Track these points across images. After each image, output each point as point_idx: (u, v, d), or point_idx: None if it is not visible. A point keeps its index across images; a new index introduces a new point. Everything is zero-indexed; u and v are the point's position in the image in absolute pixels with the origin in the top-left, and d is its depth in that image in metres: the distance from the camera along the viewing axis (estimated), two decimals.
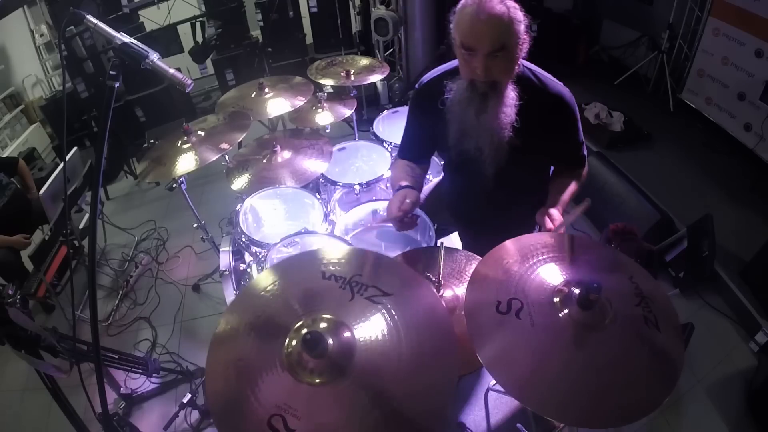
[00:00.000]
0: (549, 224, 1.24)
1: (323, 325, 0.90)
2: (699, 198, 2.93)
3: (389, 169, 2.05)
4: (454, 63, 1.36)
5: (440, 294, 1.20)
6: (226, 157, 2.07)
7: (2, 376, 2.38)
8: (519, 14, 1.17)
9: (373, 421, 0.79)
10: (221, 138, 1.96)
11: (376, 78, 2.63)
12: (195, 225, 2.34)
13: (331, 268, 1.01)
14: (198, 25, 4.14)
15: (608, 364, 0.89)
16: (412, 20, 3.90)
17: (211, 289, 2.70)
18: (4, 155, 3.55)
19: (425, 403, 0.82)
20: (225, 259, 1.93)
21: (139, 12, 4.27)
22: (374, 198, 1.93)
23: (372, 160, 2.24)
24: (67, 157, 2.63)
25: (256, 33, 4.57)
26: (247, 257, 1.90)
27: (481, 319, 0.95)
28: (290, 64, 4.36)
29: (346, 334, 0.88)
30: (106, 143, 1.03)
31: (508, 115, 1.26)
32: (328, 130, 2.34)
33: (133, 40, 1.04)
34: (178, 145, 1.96)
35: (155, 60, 1.04)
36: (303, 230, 1.70)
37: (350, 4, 4.48)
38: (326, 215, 1.86)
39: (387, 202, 1.82)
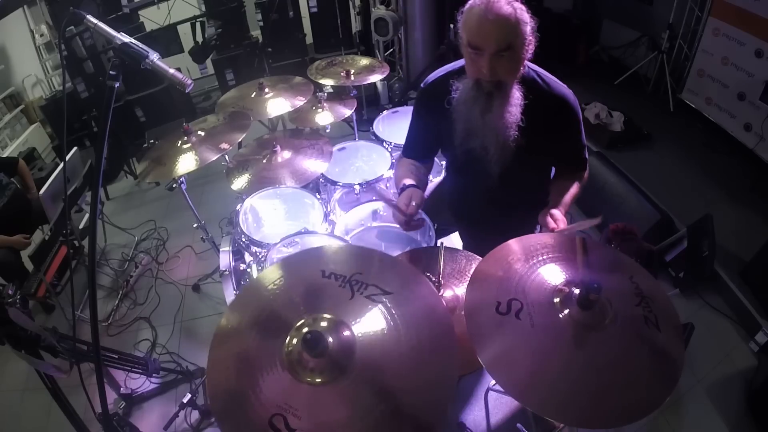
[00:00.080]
0: (552, 224, 1.24)
1: (323, 324, 0.90)
2: (699, 198, 2.93)
3: (392, 168, 2.05)
4: (460, 63, 1.37)
5: (440, 294, 1.20)
6: (226, 157, 2.07)
7: (2, 376, 2.38)
8: (526, 16, 1.19)
9: (373, 420, 0.79)
10: (221, 138, 1.96)
11: (376, 78, 2.63)
12: (195, 225, 2.34)
13: (331, 266, 1.01)
14: (198, 25, 4.14)
15: (608, 364, 0.89)
16: (412, 20, 3.90)
17: (211, 289, 2.70)
18: (4, 155, 3.55)
19: (426, 400, 0.82)
20: (225, 259, 1.93)
21: (139, 12, 4.27)
22: (374, 198, 1.93)
23: (372, 160, 2.24)
24: (67, 157, 2.63)
25: (256, 33, 4.57)
26: (247, 257, 1.90)
27: (481, 319, 0.95)
28: (290, 64, 4.36)
29: (346, 333, 0.88)
30: (106, 143, 1.03)
31: (513, 114, 1.27)
32: (328, 130, 2.34)
33: (133, 40, 1.04)
34: (178, 145, 1.96)
35: (155, 60, 1.04)
36: (303, 230, 1.70)
37: (350, 4, 4.47)
38: (326, 215, 1.86)
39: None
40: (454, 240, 1.86)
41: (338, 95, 2.52)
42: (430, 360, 0.85)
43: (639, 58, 4.17)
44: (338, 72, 2.61)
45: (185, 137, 1.96)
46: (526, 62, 1.29)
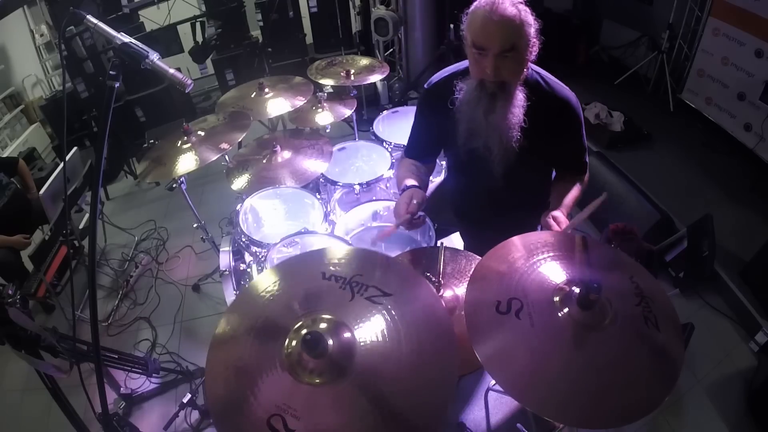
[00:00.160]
0: (555, 227, 1.25)
1: (323, 325, 0.90)
2: (699, 198, 2.93)
3: (392, 168, 2.05)
4: (464, 64, 1.38)
5: (440, 294, 1.20)
6: (226, 157, 2.07)
7: (2, 376, 2.38)
8: (530, 18, 1.20)
9: (372, 420, 0.79)
10: (221, 138, 1.96)
11: (376, 78, 2.63)
12: (195, 225, 2.34)
13: (331, 268, 1.01)
14: (198, 25, 4.14)
15: (608, 364, 0.89)
16: (412, 20, 3.90)
17: (211, 289, 2.70)
18: (4, 155, 3.56)
19: (425, 402, 0.82)
20: (225, 259, 1.93)
21: (139, 12, 4.27)
22: (374, 198, 1.93)
23: (372, 160, 2.24)
24: (67, 157, 2.63)
25: (256, 33, 4.57)
26: (247, 257, 1.90)
27: (481, 319, 0.94)
28: (290, 64, 4.36)
29: (346, 335, 0.88)
30: (106, 143, 1.03)
31: (517, 115, 1.28)
32: (328, 130, 2.34)
33: (133, 40, 1.04)
34: (178, 145, 1.96)
35: (155, 60, 1.04)
36: (303, 230, 1.70)
37: (350, 4, 4.47)
38: (326, 215, 1.86)
39: (387, 202, 1.84)
40: (454, 240, 1.86)
41: (338, 95, 2.52)
42: (430, 361, 0.85)
43: (639, 58, 4.17)
44: (338, 72, 2.61)
45: (185, 137, 1.96)
46: (530, 64, 1.30)
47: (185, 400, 1.92)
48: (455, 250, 1.37)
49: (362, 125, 3.16)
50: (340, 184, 2.02)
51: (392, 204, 1.79)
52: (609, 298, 0.95)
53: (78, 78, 3.65)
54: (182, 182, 2.06)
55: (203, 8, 4.41)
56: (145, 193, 3.70)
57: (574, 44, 4.46)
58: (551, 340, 0.92)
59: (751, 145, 3.11)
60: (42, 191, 2.35)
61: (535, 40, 1.23)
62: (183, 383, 2.17)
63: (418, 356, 0.85)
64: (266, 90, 2.34)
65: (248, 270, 1.78)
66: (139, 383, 2.16)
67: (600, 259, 1.09)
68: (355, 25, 4.62)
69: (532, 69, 1.34)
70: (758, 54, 3.01)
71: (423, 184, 1.48)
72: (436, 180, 1.88)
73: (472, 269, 1.07)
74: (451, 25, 3.59)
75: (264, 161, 2.02)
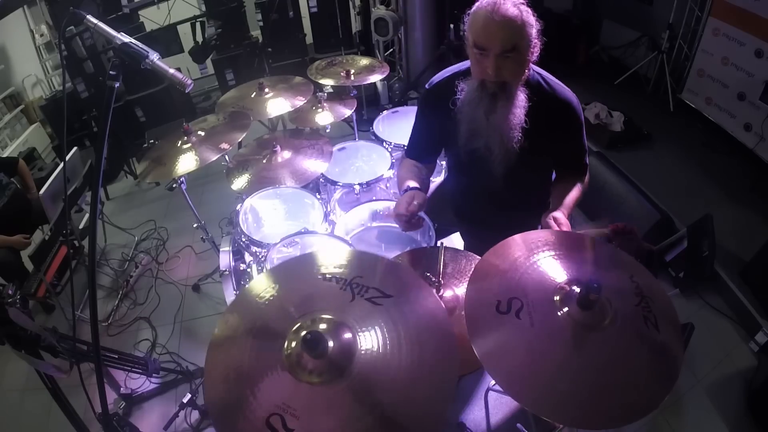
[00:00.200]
0: (555, 227, 1.25)
1: (323, 325, 0.90)
2: (699, 198, 2.93)
3: (392, 168, 2.05)
4: (465, 64, 1.39)
5: (440, 294, 1.20)
6: (226, 157, 2.06)
7: (2, 376, 2.38)
8: (532, 19, 1.21)
9: (372, 420, 0.79)
10: (221, 138, 1.96)
11: (376, 78, 2.63)
12: (195, 225, 2.34)
13: (332, 269, 1.01)
14: (198, 25, 4.14)
15: (607, 364, 0.89)
16: (412, 20, 3.90)
17: (211, 289, 2.70)
18: (4, 155, 3.55)
19: (426, 401, 0.82)
20: (225, 259, 1.93)
21: (139, 12, 4.27)
22: (374, 198, 1.93)
23: (372, 160, 2.24)
24: (67, 157, 2.63)
25: (256, 33, 4.57)
26: (247, 257, 1.90)
27: (481, 318, 0.95)
28: (290, 64, 4.36)
29: (346, 335, 0.88)
30: (106, 143, 1.03)
31: (518, 116, 1.28)
32: (328, 130, 2.34)
33: (133, 40, 1.04)
34: (178, 145, 1.96)
35: (155, 60, 1.04)
36: (303, 230, 1.70)
37: (350, 4, 4.47)
38: (326, 215, 1.86)
39: (387, 202, 1.84)
40: (454, 240, 1.86)
41: (338, 95, 2.52)
42: (430, 363, 0.85)
43: (639, 58, 4.17)
44: (338, 72, 2.61)
45: (185, 137, 1.96)
46: (531, 65, 1.30)
47: (185, 400, 1.92)
48: (455, 250, 1.37)
49: (362, 125, 3.16)
50: (340, 184, 2.02)
51: (392, 204, 1.79)
52: (609, 298, 0.95)
53: (78, 78, 3.65)
54: (182, 182, 2.06)
55: (203, 8, 4.41)
56: (145, 193, 3.70)
57: (574, 44, 4.46)
58: (551, 339, 0.92)
59: (751, 145, 3.11)
60: (42, 191, 2.35)
61: (536, 41, 1.24)
62: (183, 383, 2.17)
63: (418, 357, 0.85)
64: (266, 90, 2.34)
65: (248, 270, 1.78)
66: (139, 383, 2.16)
67: (600, 258, 1.09)
68: (355, 25, 4.62)
69: (533, 70, 1.34)
70: (758, 54, 3.01)
71: (424, 186, 1.49)
72: (436, 180, 1.88)
73: (473, 269, 1.07)
74: (451, 25, 3.59)
75: (264, 161, 2.02)
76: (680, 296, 2.41)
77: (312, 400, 0.82)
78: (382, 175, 2.02)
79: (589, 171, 1.53)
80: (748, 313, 2.24)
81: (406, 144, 1.67)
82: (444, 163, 1.94)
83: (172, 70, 1.06)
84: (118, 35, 1.03)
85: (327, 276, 1.00)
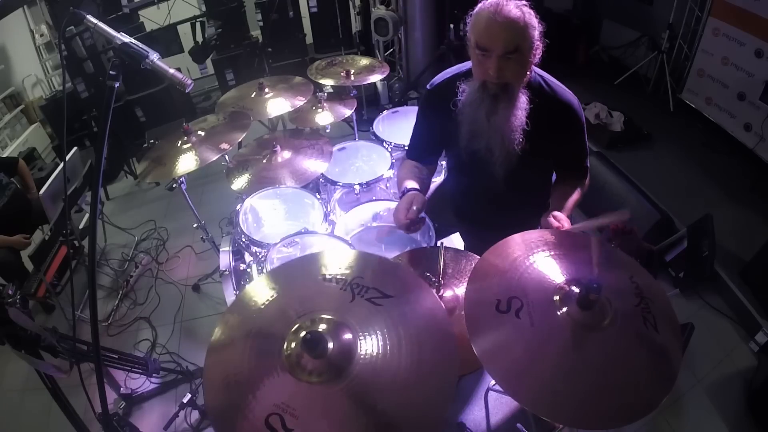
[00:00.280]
0: (555, 224, 1.25)
1: (323, 326, 0.90)
2: (699, 198, 2.93)
3: (392, 168, 2.05)
4: (467, 65, 1.39)
5: (440, 294, 1.20)
6: (226, 157, 2.06)
7: (2, 376, 2.38)
8: (534, 21, 1.21)
9: (372, 421, 0.79)
10: (221, 138, 1.96)
11: (376, 78, 2.63)
12: (195, 225, 2.34)
13: (332, 270, 1.02)
14: (198, 25, 4.14)
15: (607, 364, 0.89)
16: (412, 20, 3.90)
17: (211, 289, 2.70)
18: (4, 155, 3.55)
19: (426, 401, 0.82)
20: (225, 259, 1.93)
21: (139, 12, 4.27)
22: (374, 198, 1.93)
23: (372, 160, 2.24)
24: (67, 157, 2.63)
25: (256, 33, 4.57)
26: (247, 257, 1.90)
27: (481, 317, 0.95)
28: (290, 64, 4.36)
29: (346, 335, 0.88)
30: (106, 143, 1.03)
31: (519, 118, 1.28)
32: (328, 130, 2.34)
33: (133, 40, 1.04)
34: (178, 145, 1.96)
35: (155, 60, 1.04)
36: (303, 230, 1.70)
37: (350, 4, 4.47)
38: (326, 215, 1.86)
39: (387, 203, 1.84)
40: (454, 240, 1.86)
41: (338, 95, 2.52)
42: (430, 362, 0.85)
43: (639, 58, 4.17)
44: (338, 72, 2.61)
45: (185, 137, 1.96)
46: (533, 67, 1.30)
47: (185, 400, 1.92)
48: (455, 250, 1.38)
49: (362, 125, 3.17)
50: (340, 184, 2.02)
51: (392, 204, 1.79)
52: (609, 298, 0.95)
53: (78, 78, 3.65)
54: (182, 182, 2.06)
55: (203, 8, 4.41)
56: (145, 193, 3.70)
57: (574, 44, 4.46)
58: (551, 339, 0.92)
59: (751, 145, 3.11)
60: (42, 191, 2.35)
61: (538, 42, 1.24)
62: (183, 383, 2.17)
63: (418, 358, 0.85)
64: (266, 90, 2.34)
65: (248, 270, 1.78)
66: (139, 383, 2.16)
67: (600, 258, 1.09)
68: (355, 25, 4.62)
69: (534, 71, 1.34)
70: (758, 54, 3.01)
71: (424, 187, 1.48)
72: (436, 180, 1.88)
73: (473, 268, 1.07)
74: (451, 25, 3.59)
75: (264, 161, 2.02)
76: (680, 296, 2.41)
77: (311, 399, 0.82)
78: (382, 175, 2.01)
79: (590, 171, 1.53)
80: (748, 313, 2.24)
81: (406, 144, 1.67)
82: (444, 163, 1.94)
83: (172, 70, 1.07)
84: (118, 35, 1.03)
85: (327, 277, 1.00)
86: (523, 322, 0.93)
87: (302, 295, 0.98)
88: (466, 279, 1.21)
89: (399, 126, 2.38)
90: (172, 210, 3.36)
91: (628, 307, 0.97)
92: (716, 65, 3.37)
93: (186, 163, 1.86)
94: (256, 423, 0.79)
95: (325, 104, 2.37)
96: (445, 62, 3.63)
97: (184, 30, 4.30)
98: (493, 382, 1.42)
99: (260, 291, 1.01)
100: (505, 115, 1.28)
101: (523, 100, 1.28)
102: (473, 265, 1.26)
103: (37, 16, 4.25)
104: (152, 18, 4.37)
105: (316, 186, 2.15)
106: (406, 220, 1.32)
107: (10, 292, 1.41)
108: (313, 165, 1.98)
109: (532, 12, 1.21)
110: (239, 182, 1.96)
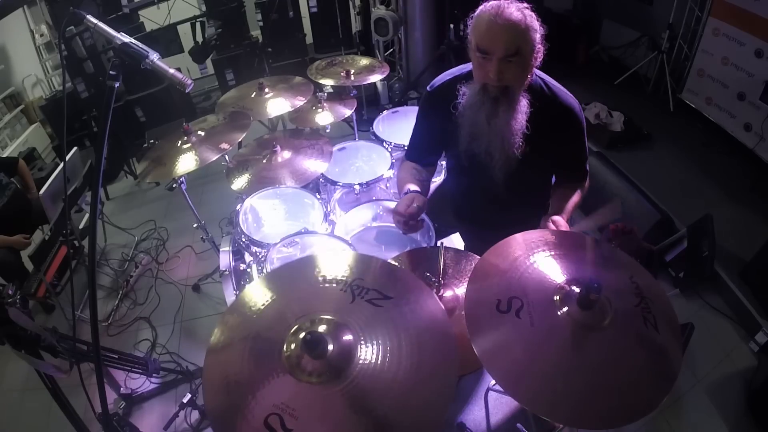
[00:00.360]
0: (553, 228, 1.25)
1: (323, 326, 0.90)
2: (699, 198, 2.93)
3: (392, 168, 2.05)
4: (467, 67, 1.38)
5: (440, 294, 1.20)
6: (226, 157, 2.06)
7: (2, 376, 2.38)
8: (536, 23, 1.20)
9: (372, 421, 0.79)
10: (221, 138, 1.96)
11: (376, 78, 2.63)
12: (195, 225, 2.34)
13: (332, 271, 1.01)
14: (198, 25, 4.14)
15: (607, 364, 0.89)
16: (412, 20, 3.90)
17: (211, 289, 2.70)
18: (4, 155, 3.56)
19: (426, 401, 0.82)
20: (225, 259, 1.93)
21: (139, 12, 4.27)
22: (374, 198, 1.92)
23: (372, 160, 2.24)
24: (67, 157, 2.63)
25: (256, 33, 4.57)
26: (247, 257, 1.90)
27: (481, 317, 0.95)
28: (290, 64, 4.36)
29: (346, 336, 0.88)
30: (106, 143, 1.03)
31: (519, 121, 1.28)
32: (328, 130, 2.34)
33: (133, 40, 1.04)
34: (178, 145, 1.96)
35: (155, 60, 1.04)
36: (303, 230, 1.70)
37: (350, 4, 4.47)
38: (326, 215, 1.86)
39: (387, 203, 1.84)
40: (454, 240, 1.86)
41: (338, 95, 2.52)
42: (430, 363, 0.85)
43: (639, 58, 4.17)
44: (338, 72, 2.61)
45: (185, 137, 1.96)
46: (534, 69, 1.30)
47: (185, 400, 1.92)
48: (455, 251, 1.38)
49: (362, 125, 3.17)
50: (340, 184, 2.02)
51: (392, 204, 1.79)
52: (609, 298, 0.95)
53: (78, 78, 3.65)
54: (182, 182, 2.06)
55: (203, 8, 4.41)
56: (145, 193, 3.70)
57: (574, 44, 4.46)
58: (551, 339, 0.92)
59: (751, 145, 3.11)
60: (42, 191, 2.35)
61: (540, 45, 1.23)
62: (183, 383, 2.18)
63: (418, 358, 0.85)
64: (266, 90, 2.34)
65: (248, 270, 1.78)
66: (139, 383, 2.16)
67: (600, 258, 1.09)
68: (355, 25, 4.62)
69: (536, 74, 1.34)
70: (758, 54, 3.01)
71: (424, 190, 1.48)
72: (436, 180, 1.88)
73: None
74: (451, 25, 3.59)
75: (264, 161, 2.02)
76: (680, 296, 2.41)
77: (311, 400, 0.82)
78: (382, 175, 2.01)
79: (590, 171, 1.53)
80: (748, 313, 2.24)
81: (406, 144, 1.66)
82: (444, 163, 1.94)
83: (172, 70, 1.06)
84: (118, 35, 1.03)
85: (327, 278, 1.00)
86: (523, 322, 0.93)
87: (302, 297, 0.98)
88: (467, 279, 1.22)
89: (399, 126, 2.38)
90: (172, 210, 3.36)
91: (628, 307, 0.97)
92: (716, 65, 3.37)
93: (186, 163, 1.86)
94: (255, 423, 0.79)
95: (325, 104, 2.37)
96: (445, 62, 3.63)
97: (184, 30, 4.30)
98: (493, 381, 1.42)
99: (260, 292, 1.01)
100: (505, 118, 1.28)
101: (523, 104, 1.28)
102: (473, 265, 1.27)
103: (37, 16, 4.25)
104: (152, 18, 4.37)
105: (316, 186, 2.15)
106: (405, 214, 1.31)
107: (10, 292, 1.41)
108: (313, 165, 1.98)
109: (533, 15, 1.20)
110: (239, 182, 1.96)
